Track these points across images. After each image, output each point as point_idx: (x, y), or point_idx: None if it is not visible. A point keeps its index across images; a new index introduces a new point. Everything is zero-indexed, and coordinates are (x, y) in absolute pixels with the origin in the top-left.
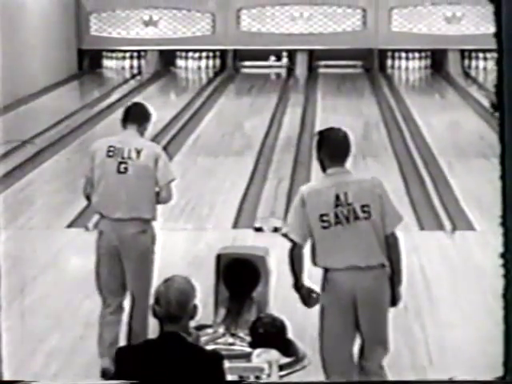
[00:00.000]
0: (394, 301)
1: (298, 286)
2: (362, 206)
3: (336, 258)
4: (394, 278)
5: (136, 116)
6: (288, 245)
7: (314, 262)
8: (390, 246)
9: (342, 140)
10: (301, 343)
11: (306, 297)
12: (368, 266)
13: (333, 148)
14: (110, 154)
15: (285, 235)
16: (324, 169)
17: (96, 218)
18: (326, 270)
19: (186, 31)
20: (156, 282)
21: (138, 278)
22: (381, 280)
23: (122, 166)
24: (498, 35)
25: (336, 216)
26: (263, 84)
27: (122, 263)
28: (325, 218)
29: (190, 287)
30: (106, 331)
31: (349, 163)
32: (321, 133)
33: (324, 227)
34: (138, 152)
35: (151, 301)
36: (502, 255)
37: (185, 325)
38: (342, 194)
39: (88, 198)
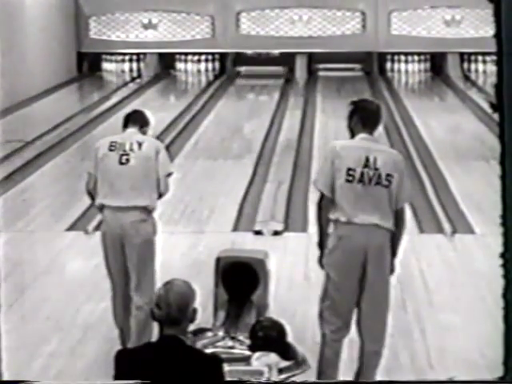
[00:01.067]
0: (391, 270)
1: (323, 239)
2: (387, 175)
3: (353, 213)
4: (393, 248)
5: (136, 120)
6: (288, 248)
7: (329, 217)
8: (398, 219)
9: (374, 109)
10: (300, 347)
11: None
12: (380, 226)
13: (366, 115)
14: (112, 148)
15: (316, 187)
16: (353, 135)
17: (96, 221)
18: (337, 226)
19: (186, 34)
20: (156, 284)
21: (142, 265)
22: (387, 243)
23: (124, 157)
24: (497, 35)
25: (361, 174)
26: (262, 87)
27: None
28: (351, 173)
29: (190, 291)
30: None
31: None
32: (355, 102)
33: (348, 180)
34: (140, 144)
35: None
36: (502, 255)
37: (184, 328)
38: (372, 157)
39: (90, 193)
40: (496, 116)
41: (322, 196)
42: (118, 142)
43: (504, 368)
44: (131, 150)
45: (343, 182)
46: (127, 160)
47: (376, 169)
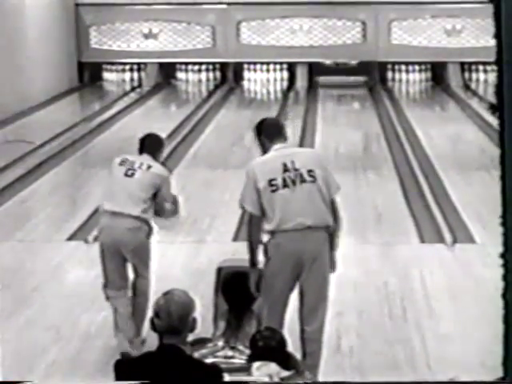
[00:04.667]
0: (332, 266)
1: (254, 257)
2: (309, 171)
3: (284, 220)
4: (332, 242)
5: (150, 147)
6: None
7: (264, 230)
8: (333, 211)
9: (277, 121)
10: (300, 356)
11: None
12: (315, 227)
13: (272, 128)
14: (122, 163)
15: (242, 207)
16: (266, 151)
17: (96, 231)
18: (273, 235)
19: (187, 44)
20: (155, 294)
21: (138, 266)
22: (324, 243)
23: (130, 171)
24: (497, 36)
25: (284, 180)
26: (263, 97)
27: (121, 256)
28: (273, 183)
29: (189, 300)
30: (119, 306)
31: (349, 176)
32: (257, 124)
33: (272, 191)
34: (149, 167)
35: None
36: (502, 255)
37: (184, 338)
38: (289, 161)
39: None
40: (496, 123)
41: (251, 216)
42: (129, 159)
43: (504, 368)
44: (139, 167)
45: (269, 194)
46: (132, 174)
47: (296, 169)
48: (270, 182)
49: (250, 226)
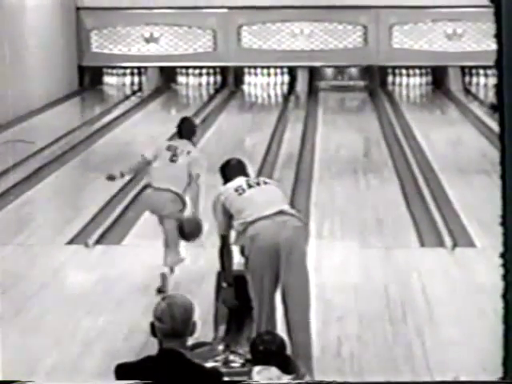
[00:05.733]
0: None
1: (229, 281)
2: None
3: (256, 211)
4: None
5: (187, 133)
6: None
7: (236, 234)
8: None
9: (236, 161)
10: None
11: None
12: (286, 212)
13: (229, 169)
14: (168, 148)
15: (223, 237)
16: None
17: (96, 235)
18: (245, 230)
19: (187, 48)
20: (155, 299)
21: (170, 224)
22: (298, 229)
23: (174, 157)
24: (498, 36)
25: (248, 184)
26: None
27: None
28: (239, 188)
29: (190, 304)
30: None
31: (349, 180)
32: (221, 166)
33: (239, 194)
34: (188, 152)
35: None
36: (502, 255)
37: (184, 342)
38: (251, 180)
39: (133, 170)
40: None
41: (223, 242)
42: (173, 146)
43: (504, 368)
44: (181, 154)
45: (236, 197)
46: (175, 160)
47: (257, 181)
48: (236, 189)
49: (223, 245)
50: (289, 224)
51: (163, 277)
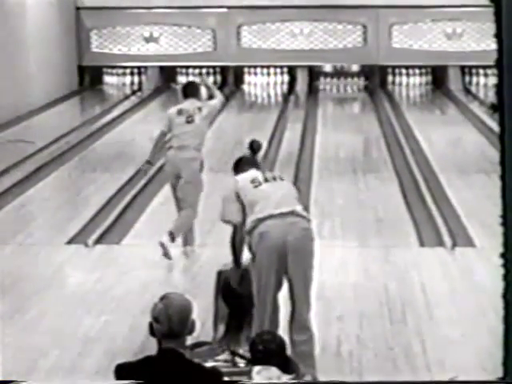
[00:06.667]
0: None
1: (238, 262)
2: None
3: (267, 208)
4: None
5: (192, 93)
6: None
7: (247, 225)
8: None
9: (249, 155)
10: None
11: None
12: (296, 213)
13: (246, 159)
14: (179, 112)
15: (226, 221)
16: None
17: (96, 235)
18: (256, 227)
19: (187, 47)
20: (155, 298)
21: (191, 187)
22: (306, 230)
23: (190, 118)
24: (498, 35)
25: (265, 178)
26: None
27: (179, 178)
28: (255, 180)
29: (187, 303)
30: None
31: (349, 179)
32: (235, 162)
33: (255, 186)
34: (199, 108)
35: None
36: (502, 255)
37: (183, 341)
38: (267, 174)
39: (157, 144)
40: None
41: (235, 231)
42: (183, 109)
43: (504, 368)
44: (194, 113)
45: (251, 189)
46: (192, 120)
47: (274, 175)
48: (252, 180)
49: (235, 233)
50: (298, 226)
51: (161, 245)
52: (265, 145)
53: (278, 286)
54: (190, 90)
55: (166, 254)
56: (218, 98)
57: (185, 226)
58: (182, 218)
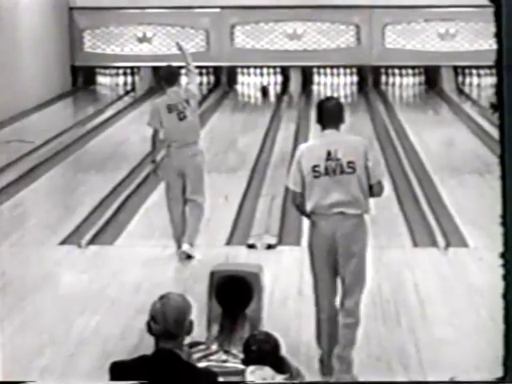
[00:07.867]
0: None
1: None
2: (348, 163)
3: (321, 204)
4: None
5: (172, 80)
6: (281, 262)
7: (304, 210)
8: (375, 193)
9: (333, 107)
10: (294, 360)
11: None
12: (349, 214)
13: (326, 113)
14: (170, 109)
15: (287, 188)
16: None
17: (89, 235)
18: (313, 216)
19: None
20: (150, 297)
21: (196, 184)
22: (359, 227)
23: (181, 114)
24: (498, 35)
25: (326, 168)
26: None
27: (183, 178)
28: (316, 169)
29: (185, 304)
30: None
31: None
32: (318, 103)
33: (315, 176)
34: (187, 101)
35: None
36: (502, 255)
37: (180, 342)
38: (333, 150)
39: (154, 141)
40: (491, 127)
41: (294, 195)
42: (172, 105)
43: (504, 368)
44: (184, 108)
45: (311, 179)
46: (184, 116)
47: (337, 159)
48: (314, 168)
49: (297, 206)
50: (347, 222)
51: (183, 254)
52: (258, 145)
53: (333, 273)
54: (172, 79)
55: (190, 256)
56: (194, 74)
57: (198, 226)
58: (194, 223)
